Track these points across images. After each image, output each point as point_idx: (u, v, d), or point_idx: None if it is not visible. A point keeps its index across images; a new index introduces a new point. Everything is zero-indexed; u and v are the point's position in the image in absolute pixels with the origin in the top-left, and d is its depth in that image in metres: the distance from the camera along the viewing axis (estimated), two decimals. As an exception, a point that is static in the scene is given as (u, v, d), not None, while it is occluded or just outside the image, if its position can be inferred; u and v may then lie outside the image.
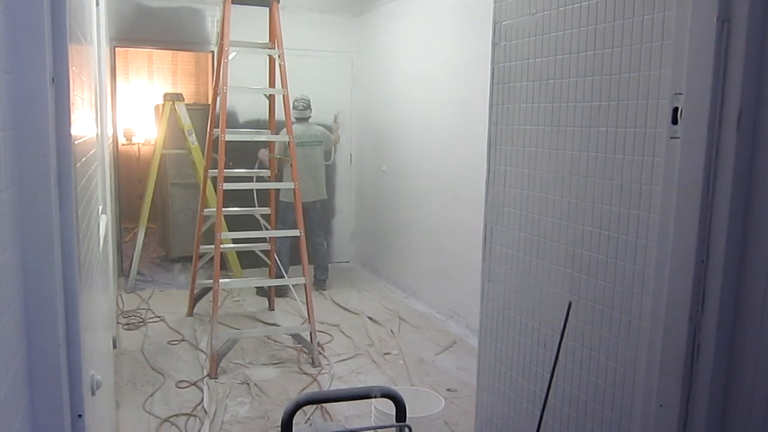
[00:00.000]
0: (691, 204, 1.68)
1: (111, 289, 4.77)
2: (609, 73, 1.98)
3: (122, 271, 6.65)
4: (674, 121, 1.74)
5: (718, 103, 1.62)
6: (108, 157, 4.75)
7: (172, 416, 3.99)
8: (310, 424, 2.53)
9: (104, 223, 3.97)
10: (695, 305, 1.69)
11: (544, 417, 2.14)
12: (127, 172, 8.03)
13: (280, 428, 2.17)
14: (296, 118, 6.10)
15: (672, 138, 1.75)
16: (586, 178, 2.08)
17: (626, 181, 1.93)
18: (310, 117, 6.30)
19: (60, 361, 1.11)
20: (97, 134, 4.13)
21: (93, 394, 2.27)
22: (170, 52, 8.37)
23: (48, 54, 1.06)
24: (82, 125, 2.19)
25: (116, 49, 6.65)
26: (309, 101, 6.24)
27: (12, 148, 1.00)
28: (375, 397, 2.21)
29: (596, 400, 2.06)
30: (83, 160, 2.22)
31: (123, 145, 8.36)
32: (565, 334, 2.10)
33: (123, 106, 8.43)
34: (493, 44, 2.52)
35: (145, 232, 6.51)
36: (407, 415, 3.35)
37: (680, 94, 1.71)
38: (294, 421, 2.14)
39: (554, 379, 2.19)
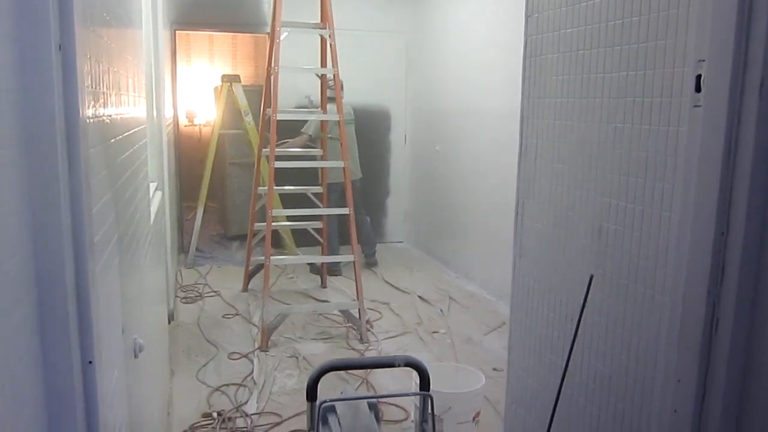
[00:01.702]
0: (712, 173, 1.63)
1: (168, 263, 4.96)
2: (636, 42, 1.93)
3: (183, 247, 6.90)
4: (697, 89, 1.69)
5: (741, 69, 1.57)
6: (166, 137, 4.92)
7: (223, 386, 4.14)
8: (341, 393, 2.59)
9: (158, 199, 4.13)
10: (714, 278, 1.65)
11: (565, 390, 2.13)
12: (189, 152, 8.28)
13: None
14: (330, 98, 6.17)
15: (695, 106, 1.70)
16: (613, 150, 2.04)
17: (651, 152, 1.89)
18: (342, 97, 6.33)
19: (68, 311, 1.19)
20: (151, 114, 4.30)
21: (135, 356, 2.39)
22: (230, 35, 8.56)
23: (54, 22, 1.13)
24: (121, 102, 2.28)
25: (176, 32, 6.84)
26: (343, 82, 6.28)
27: (17, 109, 1.08)
28: (399, 365, 2.24)
29: (618, 374, 2.04)
30: (123, 135, 2.32)
31: (185, 126, 8.63)
32: (586, 308, 2.08)
33: (184, 88, 8.69)
34: (526, 16, 2.49)
35: (205, 211, 6.72)
36: (447, 391, 3.40)
37: (703, 61, 1.66)
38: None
39: (579, 352, 2.17)
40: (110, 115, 2.01)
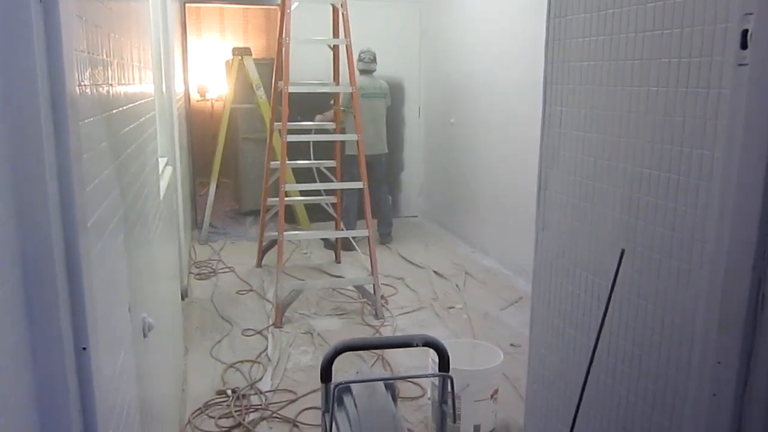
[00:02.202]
0: (759, 137, 1.48)
1: (181, 240, 4.87)
2: (672, -2, 1.77)
3: (196, 223, 6.81)
4: (743, 46, 1.53)
5: (794, 21, 1.41)
6: (176, 112, 4.80)
7: (237, 362, 4.07)
8: (357, 372, 2.48)
9: (168, 174, 4.02)
10: (760, 251, 1.51)
11: (592, 370, 2.00)
12: (201, 127, 8.16)
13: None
14: (361, 71, 6.08)
15: (740, 65, 1.54)
16: (645, 116, 1.89)
17: (689, 117, 1.74)
18: (375, 70, 6.22)
19: (58, 293, 1.07)
20: (160, 88, 4.17)
21: (144, 336, 2.29)
22: (241, 8, 8.38)
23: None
24: (124, 71, 2.16)
25: (186, 5, 6.68)
26: (375, 55, 6.17)
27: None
28: (416, 345, 2.13)
29: (650, 355, 1.91)
30: (127, 106, 2.19)
31: (197, 101, 8.49)
32: (616, 284, 1.94)
33: (196, 62, 8.54)
34: (550, -26, 2.32)
35: (218, 186, 6.62)
36: (464, 368, 3.29)
37: (750, 14, 1.50)
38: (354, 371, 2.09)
39: (606, 331, 2.04)
40: (112, 84, 1.88)
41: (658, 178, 1.85)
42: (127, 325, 1.88)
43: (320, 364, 2.11)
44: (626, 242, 1.97)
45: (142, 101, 2.68)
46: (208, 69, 8.56)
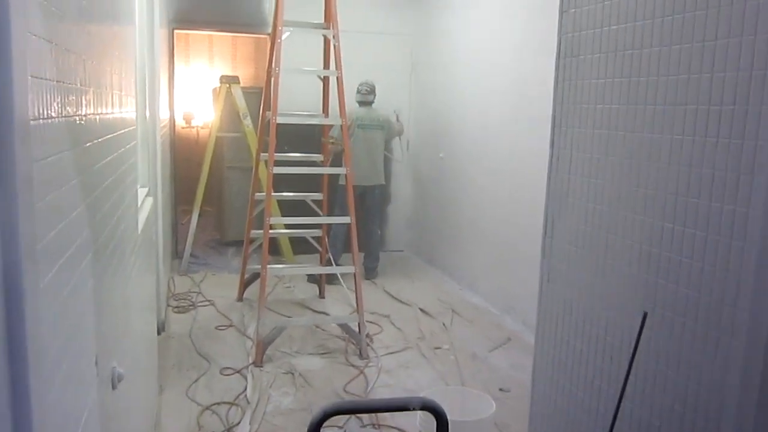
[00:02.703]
0: (808, 199, 1.32)
1: (160, 271, 4.63)
2: (701, 40, 1.61)
3: (177, 253, 6.54)
4: (787, 96, 1.38)
5: None
6: (160, 140, 4.58)
7: (214, 404, 3.80)
8: (345, 431, 2.26)
9: (149, 206, 3.80)
10: (809, 325, 1.34)
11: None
12: (187, 155, 7.93)
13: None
14: (359, 102, 6.01)
15: (783, 116, 1.38)
16: (668, 166, 1.72)
17: (719, 170, 1.57)
18: (373, 102, 6.12)
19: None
20: (143, 115, 3.97)
21: (113, 387, 2.05)
22: (230, 36, 8.22)
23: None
24: (102, 100, 1.96)
25: (175, 31, 6.50)
26: (374, 86, 6.10)
27: None
28: (414, 409, 1.91)
29: (671, 426, 1.71)
30: (104, 137, 1.99)
31: (182, 128, 8.28)
32: (631, 345, 1.76)
33: (182, 89, 8.34)
34: (561, 11, 2.16)
35: (200, 215, 6.38)
36: (454, 419, 3.07)
37: (797, 61, 1.35)
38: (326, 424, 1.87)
39: (618, 396, 1.85)
40: (86, 115, 1.68)
41: (682, 234, 1.68)
42: (92, 381, 1.66)
43: (308, 427, 1.89)
44: (645, 302, 1.78)
45: (123, 131, 2.47)
46: (194, 96, 8.36)
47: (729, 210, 1.54)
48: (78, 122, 1.57)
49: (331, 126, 5.36)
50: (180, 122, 8.34)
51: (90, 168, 1.75)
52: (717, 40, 1.57)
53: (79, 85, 1.58)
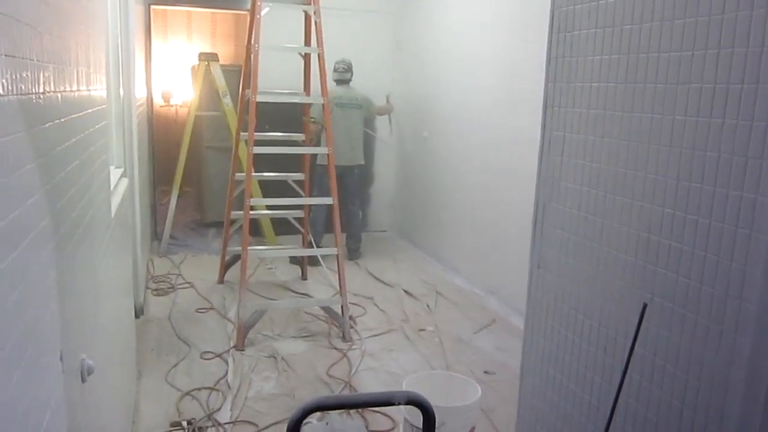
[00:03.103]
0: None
1: (138, 254, 4.47)
2: (707, 14, 1.49)
3: (156, 234, 6.37)
4: (804, 74, 1.26)
5: None
6: (136, 119, 4.40)
7: (194, 390, 3.68)
8: (327, 423, 2.15)
9: (124, 186, 3.64)
10: (825, 321, 1.23)
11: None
12: (165, 134, 7.70)
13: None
14: (336, 81, 5.82)
15: (799, 96, 1.27)
16: (669, 149, 1.60)
17: (725, 153, 1.46)
18: (350, 80, 5.94)
19: None
20: (117, 94, 3.78)
21: (83, 380, 1.93)
22: (209, 12, 7.97)
23: None
24: (66, 77, 1.80)
25: (152, 7, 6.26)
26: (350, 64, 5.90)
27: None
28: (399, 404, 1.80)
29: (669, 422, 1.62)
30: (68, 117, 1.83)
31: (160, 107, 8.04)
32: (627, 337, 1.65)
33: (160, 67, 8.08)
34: (554, -16, 2.03)
35: (180, 196, 6.21)
36: (440, 405, 2.98)
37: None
38: (305, 422, 1.75)
39: (614, 391, 1.75)
40: (44, 93, 1.52)
41: (683, 221, 1.57)
42: (57, 375, 1.53)
43: (287, 425, 1.77)
44: (642, 292, 1.68)
45: (90, 110, 2.30)
46: (173, 74, 8.11)
47: (735, 196, 1.44)
48: (35, 101, 1.42)
49: (311, 105, 5.19)
50: (158, 101, 8.11)
51: (50, 151, 1.60)
52: (725, 13, 1.45)
53: (35, 58, 1.42)
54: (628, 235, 1.73)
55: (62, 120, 1.76)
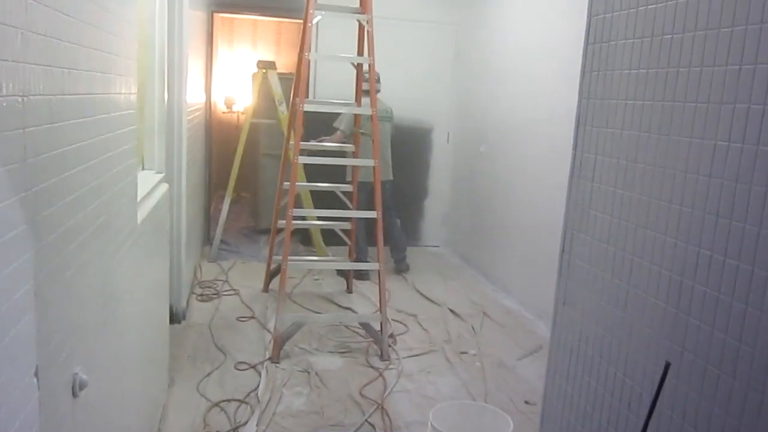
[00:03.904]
0: None
1: (182, 258, 4.45)
2: (759, 21, 1.24)
3: (209, 239, 6.38)
4: None
5: None
6: (185, 124, 4.38)
7: (224, 401, 3.58)
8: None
9: (162, 191, 3.59)
10: None
11: None
12: (227, 140, 7.76)
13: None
14: (365, 91, 5.61)
15: None
16: (709, 179, 1.35)
17: (774, 188, 1.20)
18: (379, 91, 5.74)
19: None
20: (162, 99, 3.75)
21: (74, 395, 1.83)
22: (275, 21, 8.00)
23: None
24: (70, 80, 1.71)
25: (217, 15, 6.31)
26: (379, 75, 5.70)
27: None
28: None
29: (699, 500, 1.36)
30: (62, 123, 1.74)
31: (223, 113, 8.12)
32: (658, 402, 1.40)
33: (224, 73, 8.16)
34: (592, -11, 1.80)
35: (236, 202, 6.20)
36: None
37: None
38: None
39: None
40: (34, 95, 1.43)
41: (722, 265, 1.31)
42: (30, 394, 1.43)
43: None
44: (671, 342, 1.42)
45: (106, 115, 2.23)
46: (237, 81, 8.18)
47: (784, 240, 1.18)
48: (20, 104, 1.33)
49: (362, 116, 5.06)
50: (221, 107, 8.19)
51: (27, 158, 1.50)
52: (779, 21, 1.20)
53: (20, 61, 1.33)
54: (659, 276, 1.48)
55: (56, 125, 1.66)
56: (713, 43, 1.36)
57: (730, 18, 1.31)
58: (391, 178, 5.87)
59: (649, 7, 1.55)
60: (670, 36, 1.48)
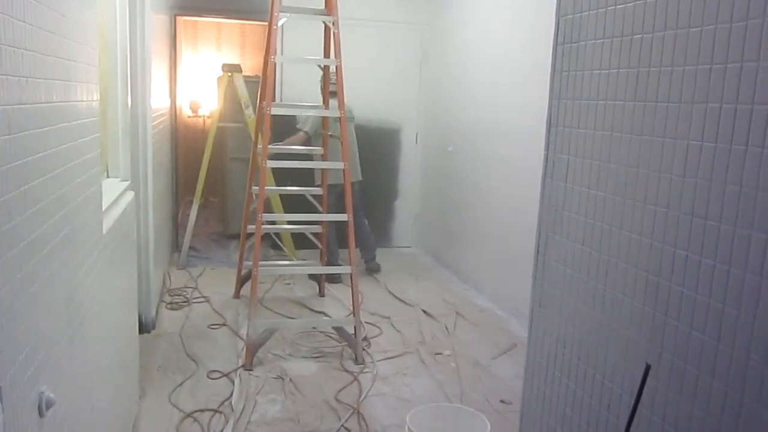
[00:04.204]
0: None
1: (150, 267, 4.35)
2: (728, 21, 1.23)
3: (177, 246, 6.27)
4: None
5: None
6: (151, 130, 4.28)
7: (197, 411, 3.50)
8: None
9: (128, 199, 3.50)
10: None
11: None
12: (193, 144, 7.64)
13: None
14: (332, 93, 5.62)
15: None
16: (683, 179, 1.35)
17: (749, 188, 1.20)
18: None
19: None
20: (125, 104, 3.66)
21: (41, 415, 1.76)
22: (239, 23, 7.89)
23: None
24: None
25: (179, 18, 6.19)
26: None
27: None
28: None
29: (680, 500, 1.36)
30: (18, 134, 1.67)
31: (189, 117, 7.99)
32: (632, 398, 1.39)
33: (189, 77, 8.01)
34: (560, -11, 1.79)
35: (205, 207, 6.10)
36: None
37: None
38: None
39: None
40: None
41: (698, 265, 1.30)
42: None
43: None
44: (650, 343, 1.42)
45: (66, 123, 2.15)
46: (201, 84, 8.05)
47: (761, 239, 1.17)
48: None
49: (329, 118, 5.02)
50: (186, 111, 8.05)
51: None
52: (749, 20, 1.19)
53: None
54: (636, 277, 1.47)
55: (14, 135, 1.59)
56: (683, 42, 1.35)
57: (699, 17, 1.31)
58: (360, 178, 5.84)
59: (618, 7, 1.54)
60: (640, 36, 1.47)
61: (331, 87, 5.56)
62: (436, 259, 6.51)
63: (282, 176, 5.75)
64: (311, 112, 4.71)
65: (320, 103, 5.10)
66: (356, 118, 5.82)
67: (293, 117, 4.70)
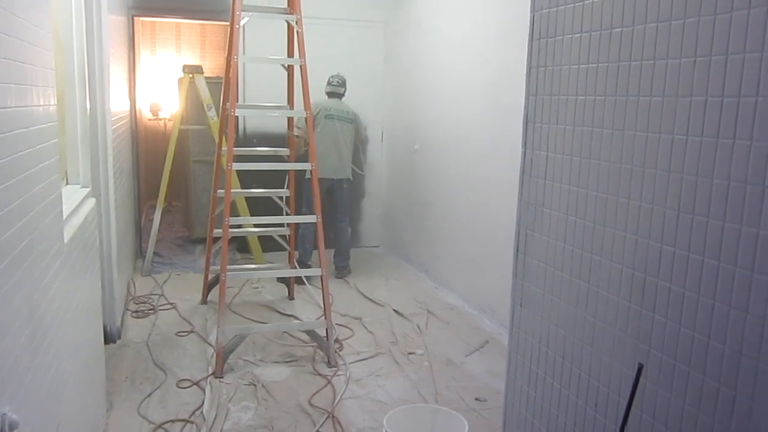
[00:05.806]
0: None
1: (114, 275, 4.20)
2: (712, 12, 1.21)
3: (141, 252, 6.10)
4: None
5: None
6: (111, 134, 4.14)
7: (167, 422, 3.39)
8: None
9: (90, 207, 3.37)
10: None
11: None
12: (154, 148, 7.46)
13: None
14: (328, 93, 5.66)
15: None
16: (668, 173, 1.32)
17: (736, 181, 1.17)
18: (343, 94, 5.75)
19: None
20: (84, 108, 3.52)
21: (3, 440, 1.65)
22: (198, 24, 7.73)
23: None
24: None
25: (136, 19, 6.02)
26: (345, 80, 5.76)
27: None
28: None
29: (673, 499, 1.33)
30: (2, 134, 1.57)
31: (149, 120, 7.79)
32: (621, 397, 1.36)
33: (148, 79, 7.82)
34: (534, -17, 1.75)
35: (168, 211, 5.95)
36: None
37: None
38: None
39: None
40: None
41: (686, 261, 1.28)
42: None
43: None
44: (637, 342, 1.39)
45: (24, 129, 2.03)
46: (162, 86, 7.85)
47: (750, 233, 1.15)
48: None
49: (296, 118, 4.94)
50: (147, 114, 7.85)
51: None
52: (733, 11, 1.17)
53: None
54: (621, 274, 1.44)
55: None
56: (665, 35, 1.32)
57: (681, 9, 1.28)
58: (349, 176, 5.83)
59: (595, 0, 1.51)
60: (619, 29, 1.44)
61: (328, 88, 5.61)
62: (404, 258, 6.48)
63: (247, 178, 5.65)
64: (276, 113, 4.61)
65: (284, 103, 4.99)
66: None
67: (264, 119, 4.59)
